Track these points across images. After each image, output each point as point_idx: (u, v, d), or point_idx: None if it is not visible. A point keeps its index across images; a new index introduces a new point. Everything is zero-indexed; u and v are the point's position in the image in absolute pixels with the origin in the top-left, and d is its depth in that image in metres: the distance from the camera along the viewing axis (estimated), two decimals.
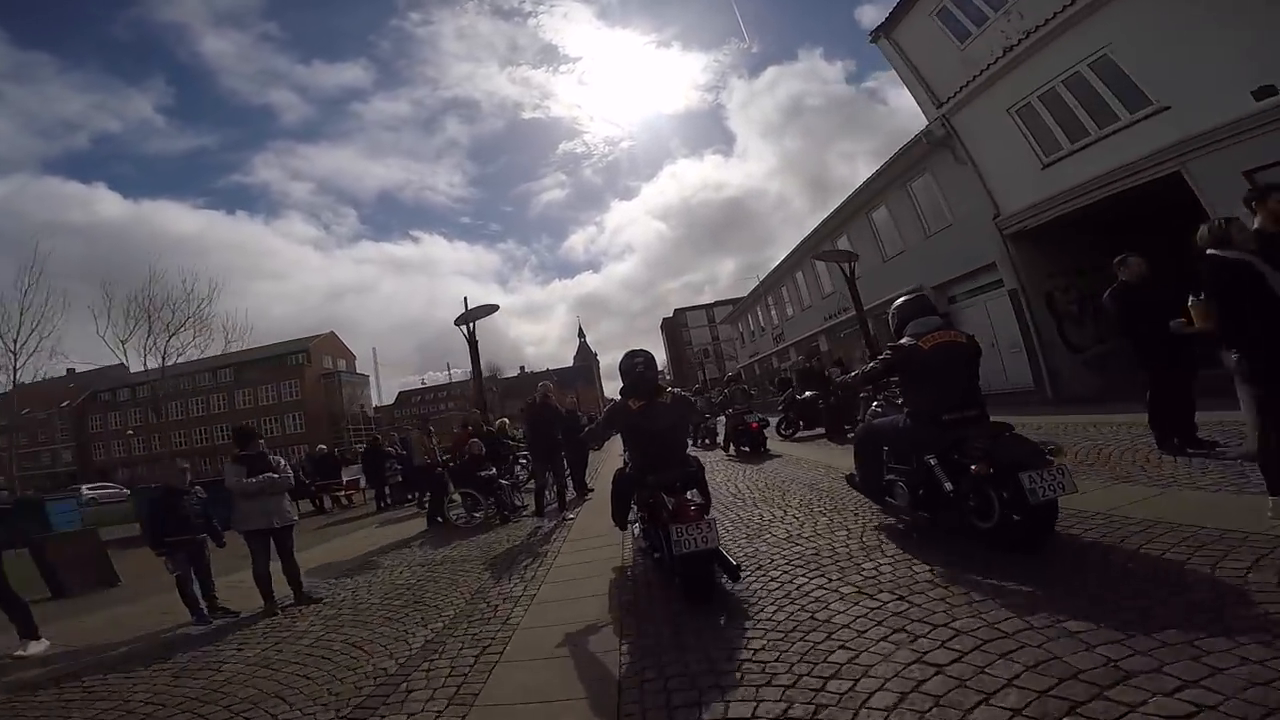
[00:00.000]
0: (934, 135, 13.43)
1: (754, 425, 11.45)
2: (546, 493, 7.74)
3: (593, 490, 9.59)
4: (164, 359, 20.30)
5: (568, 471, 10.24)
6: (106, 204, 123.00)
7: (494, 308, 11.26)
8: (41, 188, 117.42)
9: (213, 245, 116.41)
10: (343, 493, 13.66)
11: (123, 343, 20.13)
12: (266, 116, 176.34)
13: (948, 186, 13.95)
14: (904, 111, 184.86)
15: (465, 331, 11.22)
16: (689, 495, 3.84)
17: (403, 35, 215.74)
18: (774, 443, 12.14)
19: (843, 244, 18.86)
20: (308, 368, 59.49)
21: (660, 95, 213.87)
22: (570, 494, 9.68)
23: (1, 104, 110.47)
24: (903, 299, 4.43)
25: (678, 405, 4.33)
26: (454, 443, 9.10)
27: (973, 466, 3.45)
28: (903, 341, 4.08)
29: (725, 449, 12.28)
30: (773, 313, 27.31)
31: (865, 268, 17.44)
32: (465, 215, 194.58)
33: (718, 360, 66.62)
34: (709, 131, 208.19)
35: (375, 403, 66.80)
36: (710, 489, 4.50)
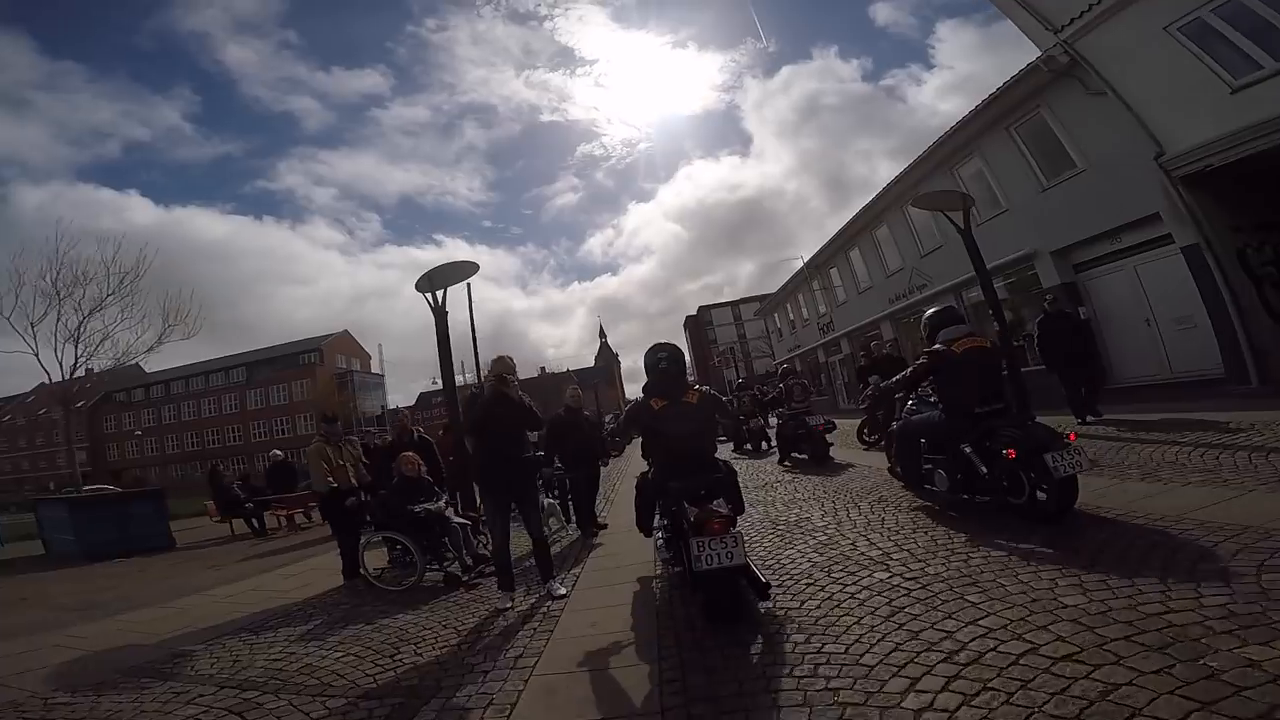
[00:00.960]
0: (1057, 62, 10.25)
1: (819, 427, 8.89)
2: (509, 548, 4.46)
3: (605, 526, 6.46)
4: (78, 346, 16.97)
5: (569, 496, 7.13)
6: (139, 210, 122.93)
7: (471, 268, 8.21)
8: (76, 195, 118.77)
9: (242, 251, 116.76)
10: (284, 511, 10.60)
11: (33, 326, 16.15)
12: (289, 123, 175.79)
13: (1076, 124, 10.65)
14: (924, 109, 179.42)
15: (430, 301, 8.19)
16: (715, 505, 3.26)
17: (419, 42, 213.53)
18: (849, 450, 9.37)
19: (913, 213, 15.58)
20: (320, 367, 57.26)
21: (677, 96, 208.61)
22: (567, 534, 6.54)
23: (34, 112, 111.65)
24: (933, 310, 5.02)
25: (705, 405, 3.85)
26: (388, 454, 5.92)
27: (1004, 450, 3.96)
28: (937, 347, 4.60)
29: (781, 459, 9.59)
30: (819, 300, 23.76)
31: (950, 234, 14.09)
32: (486, 219, 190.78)
33: (745, 360, 63.19)
34: (725, 132, 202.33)
35: (389, 404, 64.48)
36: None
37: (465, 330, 17.33)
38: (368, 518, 5.33)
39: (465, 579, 4.81)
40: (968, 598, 2.82)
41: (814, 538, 4.50)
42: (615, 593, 4.08)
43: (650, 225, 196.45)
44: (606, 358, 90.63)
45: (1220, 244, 8.85)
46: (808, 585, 3.45)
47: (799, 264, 24.18)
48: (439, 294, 8.48)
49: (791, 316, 28.39)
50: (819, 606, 3.09)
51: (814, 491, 6.49)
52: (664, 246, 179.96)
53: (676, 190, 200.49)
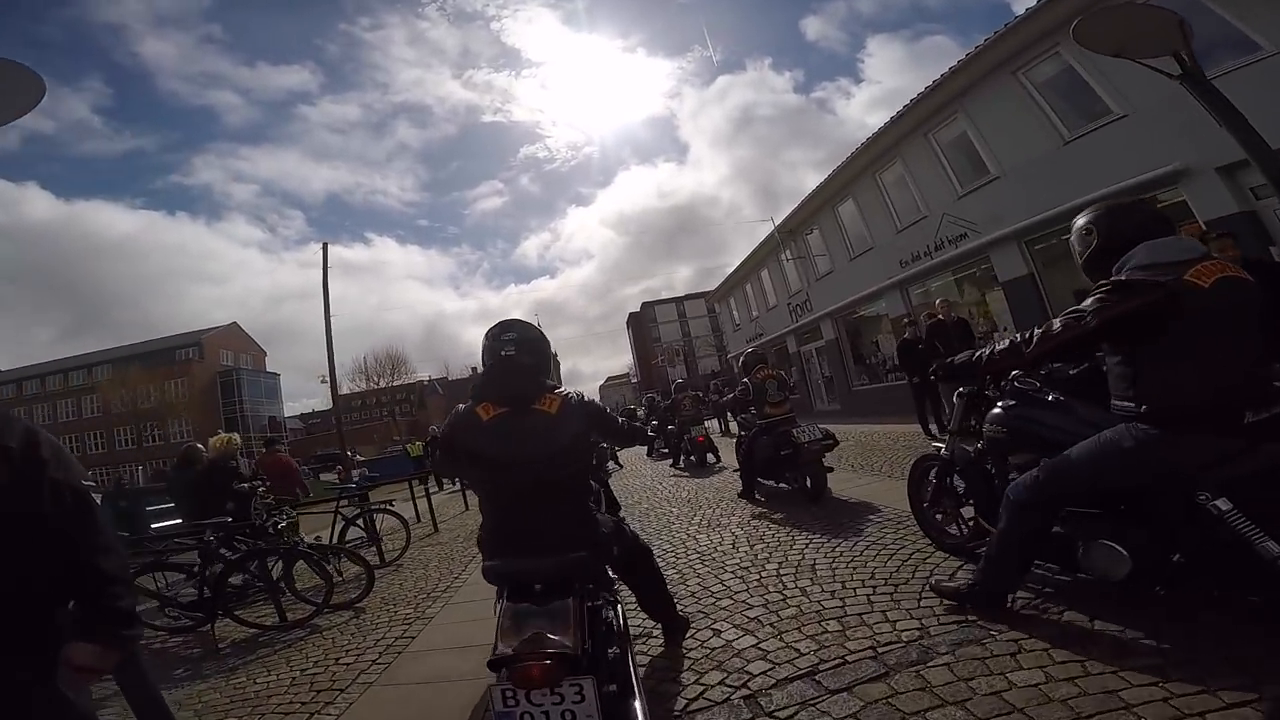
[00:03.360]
0: None
1: (812, 444, 5.50)
2: None
3: None
4: None
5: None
6: (36, 203, 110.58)
7: (33, 86, 3.37)
8: None
9: (152, 247, 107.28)
10: None
11: None
12: (208, 118, 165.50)
13: None
14: (853, 121, 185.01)
15: None
16: (551, 631, 1.58)
17: (351, 40, 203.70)
18: (852, 476, 6.41)
19: (942, 143, 11.47)
20: (198, 363, 49.19)
21: (623, 101, 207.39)
22: None
23: None
24: (1114, 204, 2.19)
25: (571, 417, 2.07)
26: None
27: None
28: (1152, 276, 1.85)
29: (746, 491, 6.29)
30: (790, 274, 19.49)
31: (1014, 164, 10.02)
32: (421, 218, 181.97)
33: (689, 358, 59.22)
34: (663, 140, 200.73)
35: (288, 411, 56.77)
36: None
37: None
38: None
39: None
40: None
41: None
42: None
43: (589, 229, 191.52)
44: None
45: None
46: None
47: (773, 225, 19.83)
48: None
49: (752, 300, 24.13)
50: None
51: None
52: (603, 250, 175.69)
53: (616, 195, 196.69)
